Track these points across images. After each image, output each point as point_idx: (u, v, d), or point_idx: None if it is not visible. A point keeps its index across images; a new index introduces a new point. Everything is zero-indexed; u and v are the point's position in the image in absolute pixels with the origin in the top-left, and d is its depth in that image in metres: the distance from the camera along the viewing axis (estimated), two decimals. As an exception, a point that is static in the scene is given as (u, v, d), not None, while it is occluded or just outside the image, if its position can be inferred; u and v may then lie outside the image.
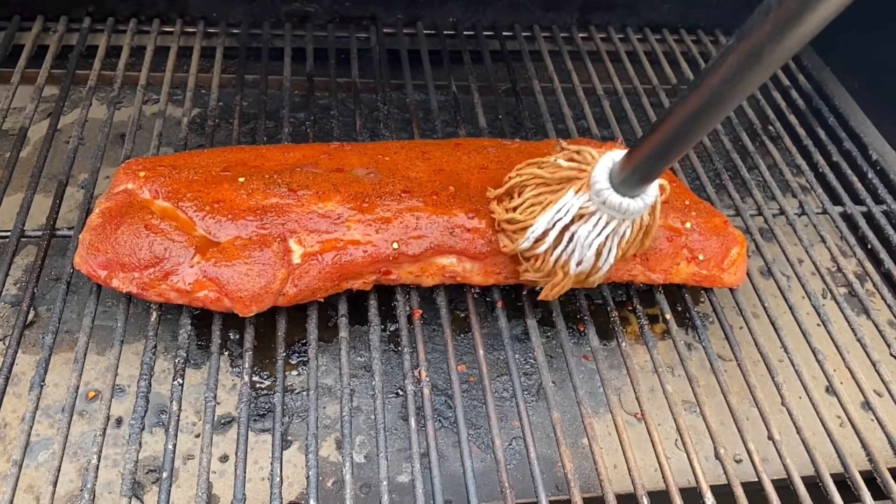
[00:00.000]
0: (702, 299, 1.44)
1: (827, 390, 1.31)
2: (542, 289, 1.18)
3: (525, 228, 1.11)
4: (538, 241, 1.10)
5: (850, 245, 1.45)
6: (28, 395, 1.06)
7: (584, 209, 1.05)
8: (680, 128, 0.84)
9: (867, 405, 1.21)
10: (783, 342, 1.26)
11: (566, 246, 1.09)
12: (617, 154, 1.01)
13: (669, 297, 1.32)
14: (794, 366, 1.23)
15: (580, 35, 1.87)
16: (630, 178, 0.98)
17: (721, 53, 0.73)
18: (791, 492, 1.09)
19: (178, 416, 1.07)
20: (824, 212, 1.52)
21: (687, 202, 1.29)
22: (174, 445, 1.03)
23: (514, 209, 1.12)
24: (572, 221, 1.07)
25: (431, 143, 1.34)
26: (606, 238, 1.07)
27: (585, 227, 1.06)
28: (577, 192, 1.05)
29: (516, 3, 1.86)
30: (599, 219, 1.05)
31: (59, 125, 1.51)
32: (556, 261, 1.11)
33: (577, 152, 1.09)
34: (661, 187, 1.09)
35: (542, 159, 1.15)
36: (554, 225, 1.08)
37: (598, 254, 1.09)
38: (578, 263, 1.10)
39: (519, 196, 1.13)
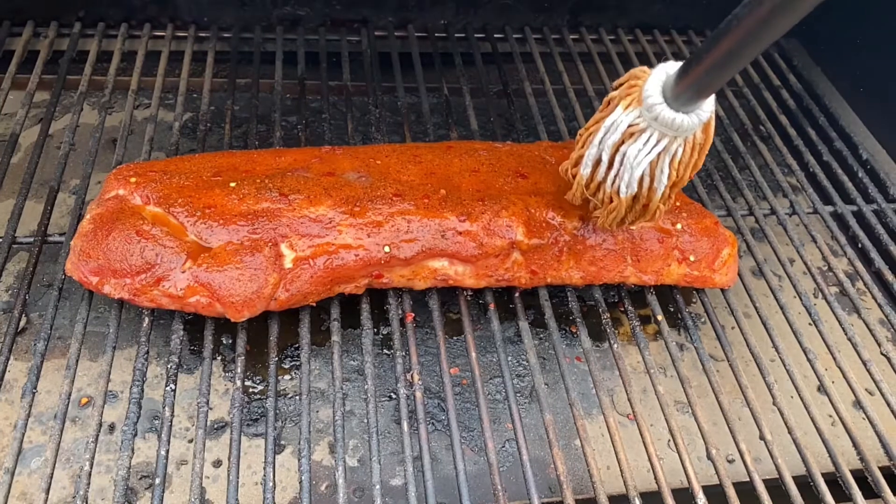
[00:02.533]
0: (693, 300, 1.45)
1: (818, 389, 1.32)
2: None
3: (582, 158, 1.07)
4: (595, 167, 1.06)
5: (840, 244, 1.46)
6: (20, 402, 1.05)
7: (633, 126, 0.99)
8: (747, 36, 0.78)
9: (858, 404, 1.21)
10: (774, 342, 1.27)
11: (618, 168, 1.03)
12: (671, 66, 0.94)
13: (661, 298, 1.32)
14: (785, 365, 1.24)
15: (571, 36, 1.87)
16: (685, 93, 0.92)
17: None
18: (783, 491, 1.09)
19: (171, 421, 1.07)
20: (815, 211, 1.53)
21: (678, 203, 1.30)
22: (167, 451, 1.03)
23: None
24: (623, 141, 1.01)
25: (423, 147, 1.34)
26: (658, 156, 1.00)
27: (636, 145, 0.99)
28: (626, 107, 0.99)
29: (507, 5, 1.86)
30: (650, 136, 0.98)
31: (51, 131, 1.51)
32: (612, 185, 1.06)
33: (629, 76, 1.02)
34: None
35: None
36: (605, 145, 1.02)
37: (651, 176, 1.03)
38: (628, 185, 1.04)
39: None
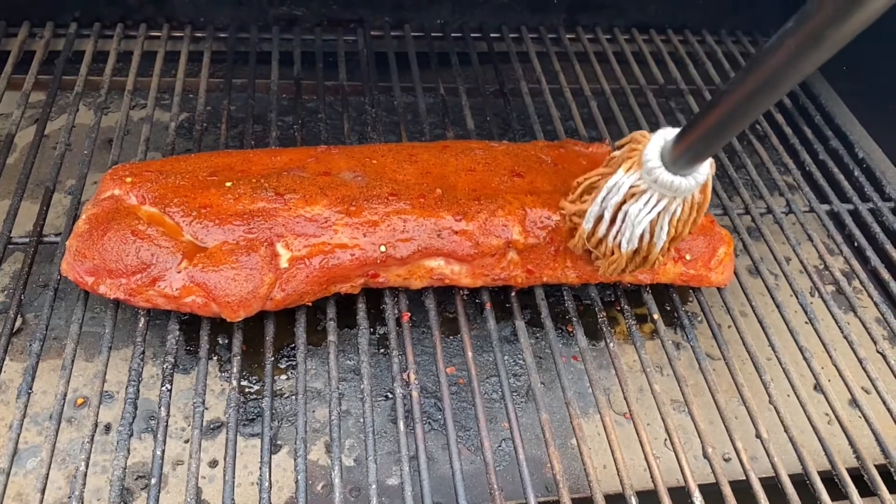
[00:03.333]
0: (690, 299, 1.45)
1: (815, 388, 1.32)
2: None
3: (584, 213, 1.12)
4: (597, 223, 1.12)
5: (836, 243, 1.46)
6: (15, 402, 1.06)
7: (635, 187, 1.05)
8: (736, 108, 0.84)
9: (854, 402, 1.21)
10: (771, 341, 1.27)
11: (620, 225, 1.09)
12: (668, 132, 1.01)
13: (657, 296, 1.32)
14: (781, 364, 1.24)
15: (568, 36, 1.87)
16: (682, 157, 0.98)
17: (779, 36, 0.73)
18: (779, 490, 1.09)
19: (167, 421, 1.07)
20: (811, 210, 1.53)
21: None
22: (163, 451, 1.03)
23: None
24: (624, 200, 1.07)
25: (419, 146, 1.34)
26: (658, 215, 1.06)
27: (637, 205, 1.05)
28: (627, 170, 1.05)
29: (503, 4, 1.86)
30: (650, 197, 1.04)
31: (46, 131, 1.51)
32: (614, 239, 1.12)
33: (630, 139, 1.09)
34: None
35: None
36: (607, 204, 1.08)
37: (651, 232, 1.09)
38: (629, 241, 1.10)
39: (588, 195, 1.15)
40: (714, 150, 0.96)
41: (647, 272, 1.27)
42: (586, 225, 1.13)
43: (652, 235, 1.09)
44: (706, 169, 1.02)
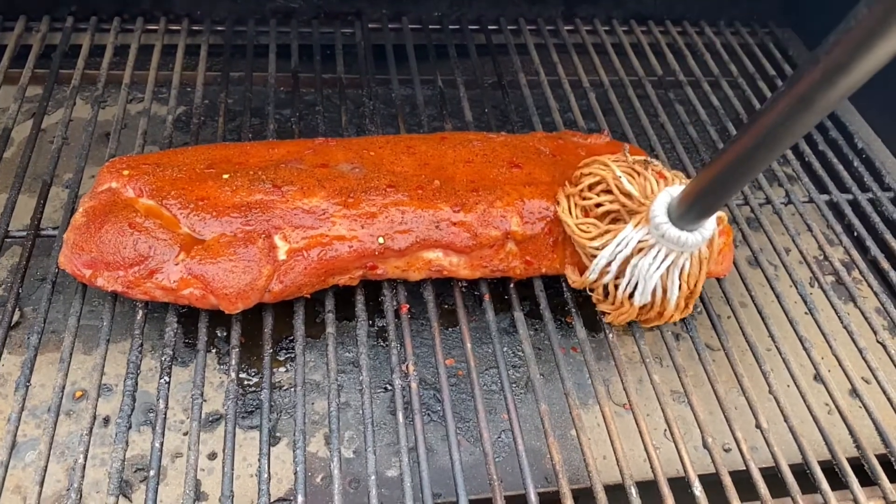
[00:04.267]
0: (689, 290, 1.44)
1: (814, 378, 1.32)
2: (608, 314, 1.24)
3: (590, 255, 1.17)
4: (603, 272, 1.16)
5: (836, 233, 1.45)
6: (14, 395, 1.05)
7: (643, 242, 1.10)
8: (734, 166, 0.87)
9: (854, 392, 1.21)
10: (770, 331, 1.26)
11: (629, 278, 1.14)
12: (675, 189, 1.06)
13: (657, 287, 1.32)
14: (781, 354, 1.23)
15: (566, 28, 1.87)
16: (688, 213, 1.02)
17: (773, 98, 0.76)
18: (779, 480, 1.09)
19: (166, 414, 1.06)
20: (811, 200, 1.53)
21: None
22: (161, 444, 1.03)
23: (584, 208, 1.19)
24: (632, 254, 1.11)
25: (417, 138, 1.34)
26: (668, 270, 1.11)
27: (646, 259, 1.10)
28: (636, 225, 1.10)
29: (502, -4, 1.86)
30: (659, 251, 1.09)
31: (44, 125, 1.50)
32: (623, 292, 1.16)
33: (638, 173, 1.15)
34: (719, 219, 1.14)
35: (607, 158, 1.19)
36: (615, 257, 1.12)
37: (664, 288, 1.14)
38: (642, 295, 1.14)
39: (590, 190, 1.18)
40: (718, 207, 1.00)
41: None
42: (591, 276, 1.17)
43: (665, 291, 1.14)
44: (712, 224, 1.07)
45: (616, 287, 1.17)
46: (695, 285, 1.15)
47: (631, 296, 1.16)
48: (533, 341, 1.33)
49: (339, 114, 1.54)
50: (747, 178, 0.91)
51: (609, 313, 1.22)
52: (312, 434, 1.19)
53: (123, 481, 1.10)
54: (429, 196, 1.20)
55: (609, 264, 1.14)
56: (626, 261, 1.13)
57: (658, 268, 1.10)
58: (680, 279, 1.13)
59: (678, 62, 1.81)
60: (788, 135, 0.77)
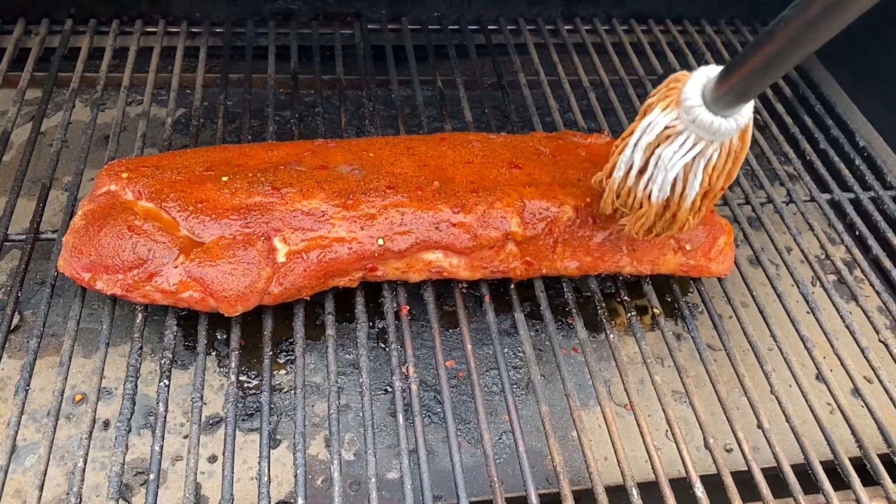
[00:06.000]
0: (690, 289, 1.44)
1: (816, 378, 1.31)
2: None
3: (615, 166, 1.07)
4: (628, 171, 1.06)
5: (838, 232, 1.45)
6: (13, 399, 1.05)
7: (671, 128, 0.98)
8: (793, 38, 0.78)
9: (857, 392, 1.20)
10: (772, 331, 1.26)
11: (652, 171, 1.03)
12: (711, 70, 0.94)
13: (657, 288, 1.32)
14: (783, 354, 1.23)
15: (565, 27, 1.86)
16: (725, 96, 0.91)
17: None
18: (781, 480, 1.09)
19: (166, 417, 1.06)
20: (812, 199, 1.52)
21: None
22: (161, 447, 1.02)
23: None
24: (658, 143, 1.00)
25: (416, 139, 1.33)
26: (693, 160, 0.99)
27: (671, 147, 0.99)
28: (664, 109, 0.99)
29: (501, -4, 1.86)
30: (686, 139, 0.98)
31: (43, 128, 1.50)
32: (644, 189, 1.06)
33: (668, 80, 1.02)
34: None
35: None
36: (638, 144, 1.02)
37: (685, 181, 1.02)
38: (660, 189, 1.03)
39: None
40: (762, 88, 0.90)
41: (648, 263, 1.26)
42: (617, 174, 1.07)
43: (684, 185, 1.02)
44: (748, 111, 0.95)
45: (638, 184, 1.06)
46: (717, 181, 1.02)
47: (651, 194, 1.05)
48: (534, 342, 1.32)
49: (338, 115, 1.54)
50: (805, 52, 0.80)
51: (627, 224, 1.14)
52: (313, 436, 1.18)
53: (123, 485, 1.10)
54: (428, 197, 1.19)
55: (634, 160, 1.03)
56: (652, 151, 1.01)
57: (683, 156, 0.98)
58: (704, 172, 1.00)
59: (679, 61, 1.81)
60: None
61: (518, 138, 1.36)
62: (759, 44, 0.82)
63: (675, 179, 1.02)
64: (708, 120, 0.94)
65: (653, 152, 1.01)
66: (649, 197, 1.05)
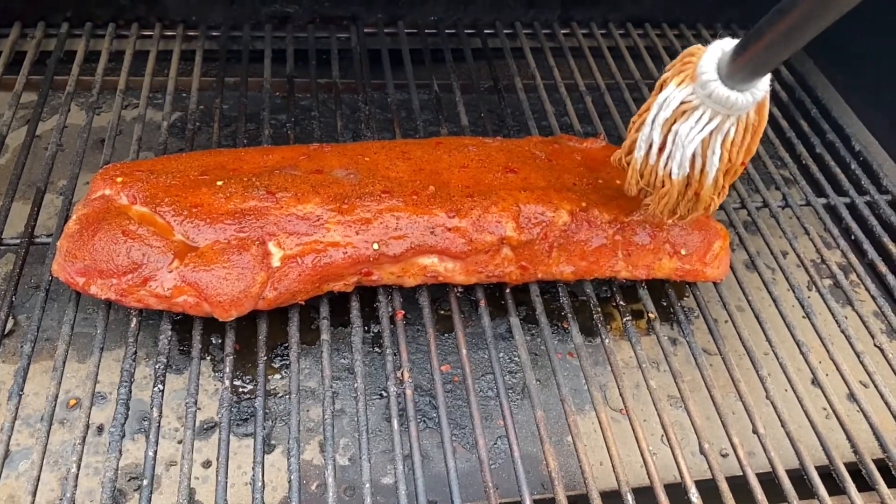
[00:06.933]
0: (686, 294, 1.44)
1: (812, 382, 1.30)
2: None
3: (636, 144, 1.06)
4: (649, 150, 1.05)
5: (833, 236, 1.45)
6: (7, 404, 1.04)
7: (686, 103, 0.97)
8: (813, 9, 0.77)
9: (852, 397, 1.20)
10: (768, 335, 1.26)
11: (671, 148, 1.02)
12: (727, 43, 0.93)
13: (653, 292, 1.31)
14: (778, 359, 1.23)
15: (562, 31, 1.86)
16: (742, 70, 0.90)
17: None
18: (776, 485, 1.09)
19: (160, 422, 1.06)
20: (808, 204, 1.52)
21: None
22: (155, 452, 1.02)
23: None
24: (675, 119, 1.00)
25: (412, 143, 1.33)
26: (710, 135, 0.98)
27: (687, 123, 0.98)
28: (679, 84, 0.98)
29: (498, 0, 1.85)
30: (703, 114, 0.97)
31: (38, 131, 1.50)
32: (665, 167, 1.05)
33: (683, 54, 1.01)
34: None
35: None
36: (654, 121, 1.01)
37: (704, 158, 1.01)
38: (680, 166, 1.02)
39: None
40: (779, 61, 0.88)
41: (643, 268, 1.26)
42: (638, 154, 1.06)
43: (704, 162, 1.01)
44: (765, 85, 0.94)
45: (658, 162, 1.06)
46: (737, 156, 1.01)
47: (671, 172, 1.04)
48: (529, 347, 1.32)
49: (334, 119, 1.54)
50: (824, 23, 0.79)
51: (651, 204, 1.13)
52: (307, 441, 1.18)
53: (117, 490, 1.09)
54: (424, 202, 1.19)
55: (653, 136, 1.02)
56: (669, 128, 1.01)
57: (700, 131, 0.97)
58: (722, 148, 0.99)
59: (675, 65, 1.80)
60: None
61: (514, 142, 1.36)
62: (778, 15, 0.81)
63: (693, 156, 1.01)
64: (724, 94, 0.93)
65: (670, 129, 1.01)
66: (670, 175, 1.05)
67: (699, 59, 0.96)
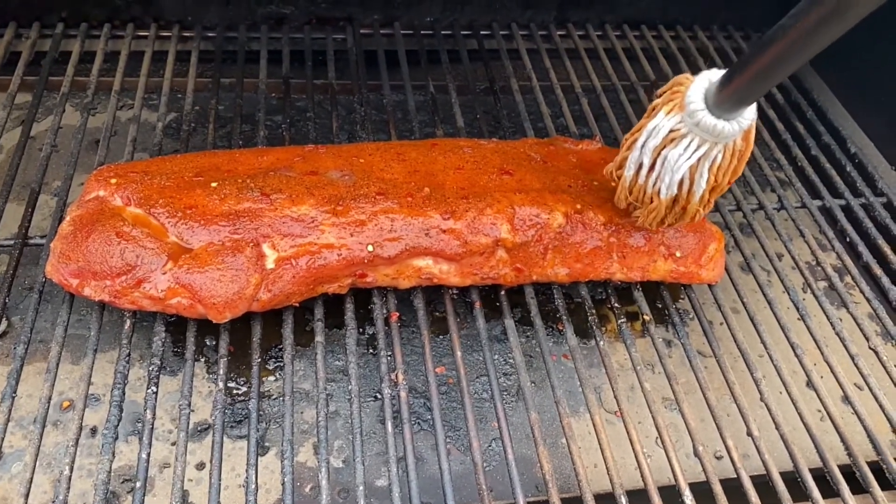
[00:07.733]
0: (681, 296, 1.44)
1: (806, 385, 1.31)
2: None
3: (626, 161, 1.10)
4: (637, 170, 1.09)
5: (828, 239, 1.45)
6: (0, 406, 1.04)
7: (675, 131, 1.01)
8: (792, 45, 0.80)
9: (846, 399, 1.20)
10: (762, 337, 1.26)
11: (658, 172, 1.06)
12: (714, 74, 0.97)
13: (648, 294, 1.31)
14: (773, 361, 1.23)
15: (558, 33, 1.86)
16: (727, 100, 0.94)
17: None
18: (770, 488, 1.09)
19: (153, 424, 1.06)
20: (803, 206, 1.53)
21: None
22: (148, 454, 1.02)
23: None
24: (664, 146, 1.03)
25: (407, 144, 1.33)
26: (698, 161, 1.02)
27: (676, 150, 1.02)
28: (668, 112, 1.02)
29: (494, 1, 1.85)
30: (691, 142, 1.01)
31: (33, 132, 1.50)
32: (653, 186, 1.09)
33: (672, 83, 1.05)
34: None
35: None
36: (644, 147, 1.05)
37: (691, 180, 1.05)
38: (668, 188, 1.06)
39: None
40: (762, 92, 0.93)
41: (638, 270, 1.26)
42: (627, 172, 1.11)
43: (691, 183, 1.06)
44: (751, 114, 0.98)
45: (647, 181, 1.09)
46: (723, 179, 1.05)
47: (660, 191, 1.08)
48: (524, 349, 1.32)
49: (330, 120, 1.54)
50: (804, 58, 0.82)
51: (640, 216, 1.17)
52: (301, 444, 1.18)
53: (110, 492, 1.09)
54: (418, 203, 1.19)
55: (642, 160, 1.06)
56: (658, 152, 1.05)
57: (688, 158, 1.01)
58: (709, 172, 1.03)
59: (671, 67, 1.81)
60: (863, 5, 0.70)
61: (509, 144, 1.36)
62: (760, 49, 0.84)
63: (682, 179, 1.05)
64: (711, 123, 0.97)
65: (659, 153, 1.05)
66: (659, 193, 1.09)
67: (687, 89, 0.99)
